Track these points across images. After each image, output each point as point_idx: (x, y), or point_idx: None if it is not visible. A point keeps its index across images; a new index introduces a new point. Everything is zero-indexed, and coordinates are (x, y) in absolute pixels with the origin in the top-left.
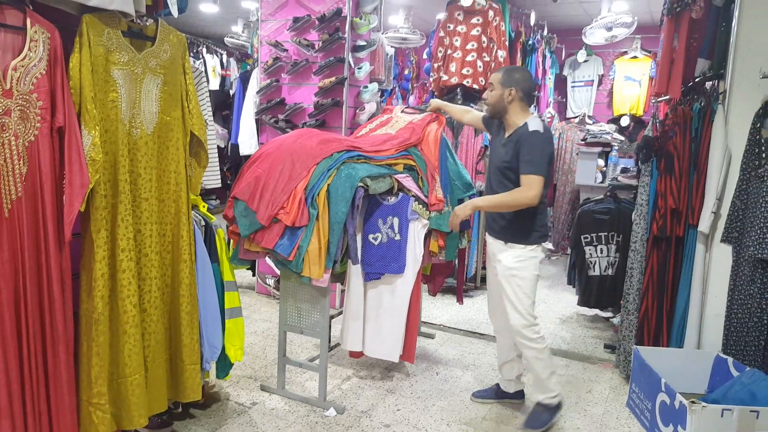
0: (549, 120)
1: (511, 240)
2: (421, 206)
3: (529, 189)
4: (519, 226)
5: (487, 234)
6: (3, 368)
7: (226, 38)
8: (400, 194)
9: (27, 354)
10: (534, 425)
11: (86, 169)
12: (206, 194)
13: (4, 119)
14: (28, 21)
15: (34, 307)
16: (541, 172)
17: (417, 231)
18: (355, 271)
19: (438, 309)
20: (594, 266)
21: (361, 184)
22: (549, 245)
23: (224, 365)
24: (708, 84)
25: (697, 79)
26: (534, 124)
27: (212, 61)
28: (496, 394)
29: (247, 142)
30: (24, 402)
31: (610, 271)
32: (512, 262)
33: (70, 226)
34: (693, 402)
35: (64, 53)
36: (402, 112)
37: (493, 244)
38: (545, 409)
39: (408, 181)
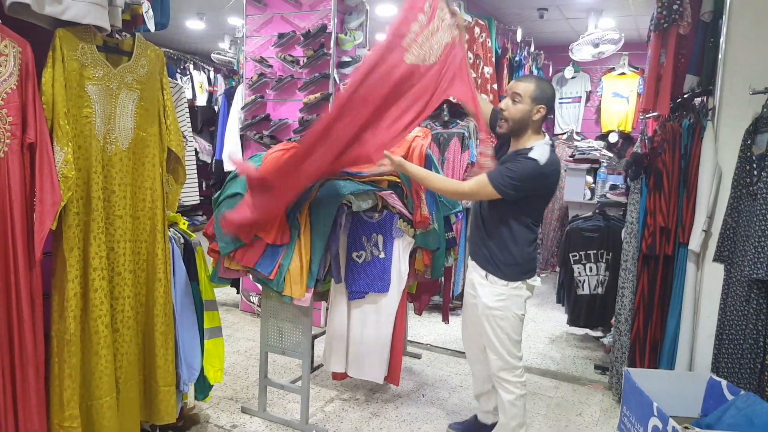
0: None
1: (493, 273)
2: (406, 223)
3: (473, 185)
4: (501, 258)
5: (469, 257)
6: None
7: (213, 54)
8: (385, 211)
9: None
10: None
11: (58, 186)
12: (192, 210)
13: None
14: None
15: (3, 329)
16: (496, 184)
17: (402, 248)
18: (338, 290)
19: (424, 328)
20: (583, 285)
21: (344, 201)
22: (537, 282)
23: (203, 386)
24: (697, 100)
25: (685, 95)
26: (538, 152)
27: (200, 77)
28: (473, 426)
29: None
30: None
31: (599, 290)
32: (492, 301)
33: (41, 245)
34: (686, 428)
35: (37, 68)
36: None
37: (473, 271)
38: None
39: (392, 198)
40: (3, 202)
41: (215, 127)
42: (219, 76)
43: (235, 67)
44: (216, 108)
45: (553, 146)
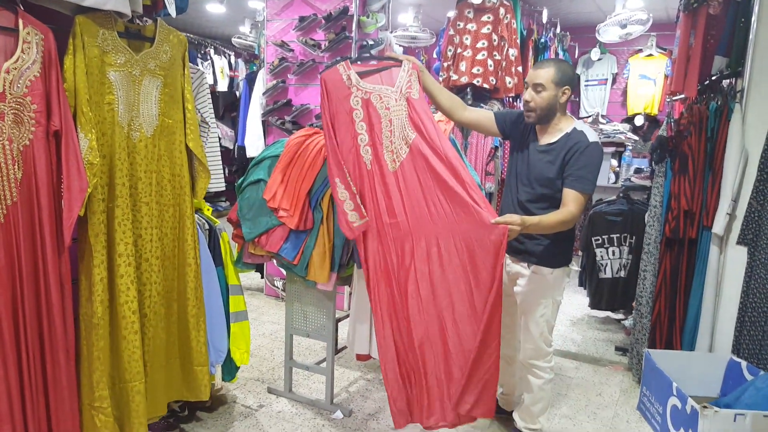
0: None
1: (538, 263)
2: None
3: (577, 208)
4: (548, 248)
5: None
6: (3, 375)
7: (233, 39)
8: None
9: (26, 360)
10: None
11: (84, 173)
12: (215, 196)
13: None
14: (20, 22)
15: (33, 313)
16: (590, 190)
17: None
18: (361, 275)
19: None
20: (605, 268)
21: None
22: (574, 266)
23: (230, 368)
24: (725, 82)
25: (713, 77)
26: (591, 134)
27: (220, 62)
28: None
29: (254, 144)
30: (24, 408)
31: (622, 273)
32: (538, 291)
33: (69, 231)
34: (705, 407)
35: (59, 55)
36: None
37: (513, 264)
38: None
39: None
40: (30, 189)
41: (237, 112)
42: (240, 60)
43: (256, 52)
44: (237, 93)
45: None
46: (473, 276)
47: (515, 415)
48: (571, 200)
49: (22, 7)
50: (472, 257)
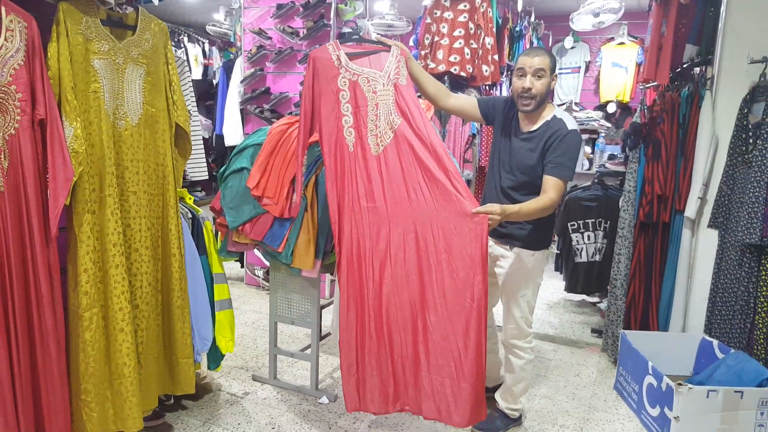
0: None
1: (519, 246)
2: None
3: (556, 194)
4: (529, 231)
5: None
6: None
7: (207, 26)
8: None
9: (16, 351)
10: (485, 427)
11: (70, 161)
12: (191, 186)
13: None
14: (3, 10)
15: (22, 304)
16: (570, 177)
17: None
18: None
19: None
20: (581, 253)
21: None
22: (553, 248)
23: (215, 356)
24: (696, 70)
25: (685, 65)
26: (570, 121)
27: (194, 50)
28: None
29: (232, 132)
30: (15, 399)
31: (597, 257)
32: (518, 273)
33: (55, 221)
34: (680, 384)
35: (42, 43)
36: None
37: (495, 247)
38: (503, 417)
39: None
40: (17, 179)
41: (212, 101)
42: (214, 48)
43: (232, 39)
44: (215, 81)
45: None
46: (449, 264)
47: (497, 396)
48: (551, 186)
49: None
50: (449, 245)
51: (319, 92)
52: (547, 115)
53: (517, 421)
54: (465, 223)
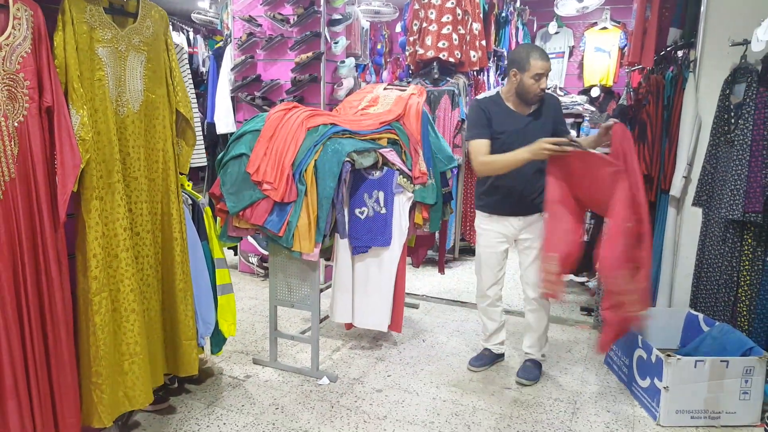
0: None
1: (543, 209)
2: (405, 179)
3: None
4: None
5: (503, 217)
6: (7, 350)
7: (193, 14)
8: (385, 168)
9: (29, 335)
10: (529, 377)
11: (77, 148)
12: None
13: None
14: None
15: (33, 288)
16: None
17: (402, 204)
18: (342, 245)
19: (419, 280)
20: None
21: (347, 159)
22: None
23: (218, 340)
24: (680, 53)
25: (669, 48)
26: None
27: (178, 39)
28: (490, 358)
29: (224, 120)
30: (29, 382)
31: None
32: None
33: (64, 207)
34: (669, 355)
35: (48, 31)
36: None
37: (516, 223)
38: (538, 366)
39: (392, 155)
40: (26, 165)
41: (199, 89)
42: (198, 36)
43: (219, 27)
44: (204, 70)
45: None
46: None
47: (530, 350)
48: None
49: None
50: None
51: None
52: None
53: (543, 361)
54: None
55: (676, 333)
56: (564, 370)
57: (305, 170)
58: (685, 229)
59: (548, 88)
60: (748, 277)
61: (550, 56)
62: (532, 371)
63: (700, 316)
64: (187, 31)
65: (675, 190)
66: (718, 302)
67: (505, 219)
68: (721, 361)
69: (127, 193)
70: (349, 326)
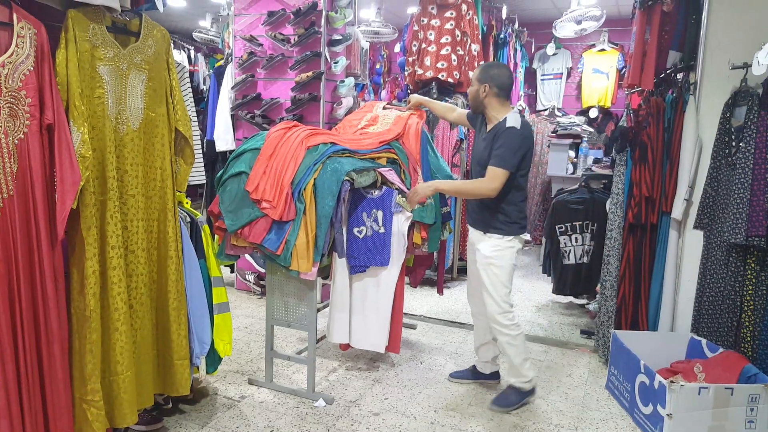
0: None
1: (490, 230)
2: (404, 199)
3: (492, 181)
4: (498, 217)
5: (470, 226)
6: (0, 369)
7: (194, 33)
8: (384, 187)
9: (23, 353)
10: (502, 404)
11: (77, 166)
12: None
13: None
14: (15, 16)
15: (28, 306)
16: (506, 166)
17: (401, 223)
18: (340, 265)
19: (417, 300)
20: (568, 255)
21: (346, 178)
22: (527, 236)
23: (213, 360)
24: (680, 75)
25: (669, 71)
26: (512, 120)
27: (179, 57)
28: (472, 374)
29: (223, 137)
30: (21, 401)
31: (585, 259)
32: (490, 252)
33: (62, 224)
34: (672, 382)
35: (51, 49)
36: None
37: (474, 233)
38: (516, 391)
39: (391, 175)
40: (25, 182)
41: (199, 107)
42: (199, 55)
43: (220, 46)
44: (204, 88)
45: (521, 113)
46: None
47: (506, 376)
48: (488, 174)
49: (18, 2)
50: None
51: None
52: (499, 117)
53: (531, 392)
54: None
55: (678, 358)
56: (564, 395)
57: (304, 189)
58: (687, 252)
59: (545, 109)
60: (751, 302)
61: (547, 77)
62: (505, 398)
63: (704, 341)
64: (189, 50)
65: (676, 212)
66: (721, 327)
67: (470, 228)
68: (726, 388)
69: (123, 210)
70: (346, 347)
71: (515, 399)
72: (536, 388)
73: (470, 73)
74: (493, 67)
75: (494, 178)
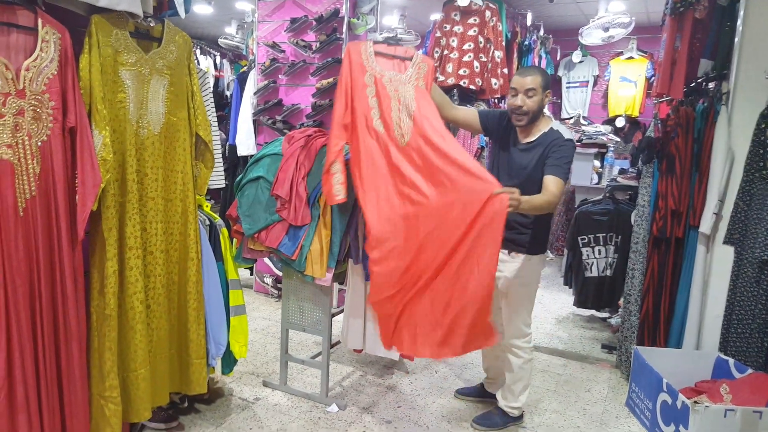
0: None
1: (517, 251)
2: None
3: (557, 189)
4: (528, 236)
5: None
6: (19, 364)
7: (220, 39)
8: None
9: (42, 350)
10: (484, 424)
11: (98, 168)
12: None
13: (18, 119)
14: (39, 21)
15: (48, 304)
16: (566, 179)
17: None
18: (355, 271)
19: None
20: (591, 267)
21: None
22: (550, 254)
23: (229, 361)
24: (711, 84)
25: (699, 80)
26: (566, 132)
27: (206, 62)
28: (479, 392)
29: (245, 142)
30: (39, 397)
31: (608, 272)
32: (516, 274)
33: (83, 225)
34: (696, 402)
35: (74, 54)
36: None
37: None
38: (502, 415)
39: None
40: (47, 184)
41: (223, 112)
42: (225, 61)
43: (244, 52)
44: (228, 93)
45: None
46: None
47: (498, 394)
48: (551, 183)
49: (42, 8)
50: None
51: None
52: (544, 128)
53: (518, 419)
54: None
55: (704, 378)
56: (582, 410)
57: (320, 194)
58: (716, 267)
59: (570, 117)
60: None
61: (573, 85)
62: (489, 419)
63: (731, 361)
64: (215, 55)
65: (705, 226)
66: (751, 347)
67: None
68: (754, 411)
69: (143, 212)
70: (359, 350)
71: (499, 422)
72: (523, 417)
73: (493, 81)
74: (545, 73)
75: (558, 187)
